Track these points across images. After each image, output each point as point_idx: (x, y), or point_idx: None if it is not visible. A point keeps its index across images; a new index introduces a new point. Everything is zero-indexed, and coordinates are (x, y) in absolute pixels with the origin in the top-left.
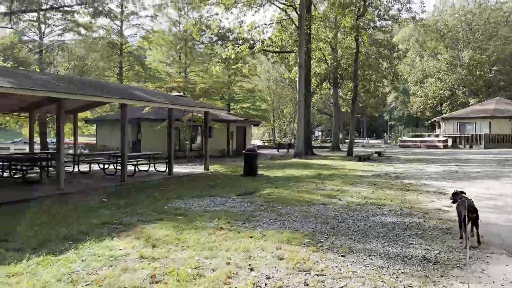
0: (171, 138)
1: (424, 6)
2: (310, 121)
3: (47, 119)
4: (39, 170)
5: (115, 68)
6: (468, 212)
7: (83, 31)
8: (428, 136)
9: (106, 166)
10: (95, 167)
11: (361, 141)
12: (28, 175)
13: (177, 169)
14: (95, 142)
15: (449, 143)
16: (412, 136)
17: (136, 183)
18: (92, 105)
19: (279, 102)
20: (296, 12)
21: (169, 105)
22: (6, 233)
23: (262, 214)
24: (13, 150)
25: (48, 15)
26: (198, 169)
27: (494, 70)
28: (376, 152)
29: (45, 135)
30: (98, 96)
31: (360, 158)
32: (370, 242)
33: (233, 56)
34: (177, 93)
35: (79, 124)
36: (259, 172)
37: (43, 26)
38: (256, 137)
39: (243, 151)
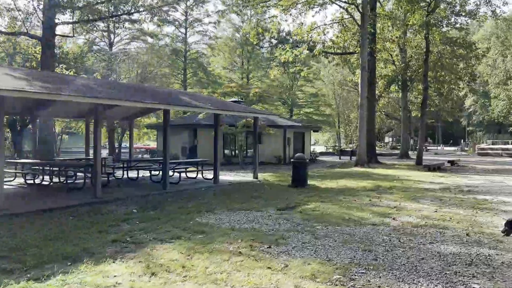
0: (217, 145)
1: None
2: (374, 127)
3: (115, 124)
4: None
5: (179, 75)
6: None
7: (149, 40)
8: (511, 144)
9: (155, 172)
10: (146, 173)
11: (435, 148)
12: (75, 182)
13: (227, 176)
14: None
15: None
16: (493, 143)
17: (177, 191)
18: (146, 112)
19: (344, 106)
20: (359, 11)
21: (214, 111)
22: (11, 248)
23: (295, 235)
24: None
25: (116, 25)
26: (248, 177)
27: None
28: (449, 161)
29: (112, 140)
30: (136, 101)
31: (430, 168)
32: (419, 282)
33: (291, 59)
34: (235, 99)
35: (145, 130)
36: (310, 182)
37: (112, 36)
38: (321, 143)
39: (292, 159)
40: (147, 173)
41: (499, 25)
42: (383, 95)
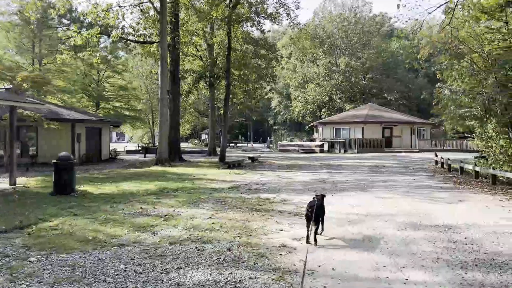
0: None
1: (298, 2)
2: (178, 123)
3: None
4: None
5: None
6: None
7: None
8: (306, 141)
9: None
10: None
11: (245, 145)
12: None
13: None
14: None
15: (325, 147)
16: (291, 140)
17: None
18: None
19: (157, 102)
20: None
21: None
22: None
23: None
24: None
25: None
26: (4, 183)
27: (368, 77)
28: (249, 157)
29: None
30: None
31: (229, 165)
32: None
33: (80, 42)
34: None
35: None
36: (85, 187)
37: None
38: (135, 140)
39: (53, 161)
40: None
41: (294, 32)
42: (192, 91)
